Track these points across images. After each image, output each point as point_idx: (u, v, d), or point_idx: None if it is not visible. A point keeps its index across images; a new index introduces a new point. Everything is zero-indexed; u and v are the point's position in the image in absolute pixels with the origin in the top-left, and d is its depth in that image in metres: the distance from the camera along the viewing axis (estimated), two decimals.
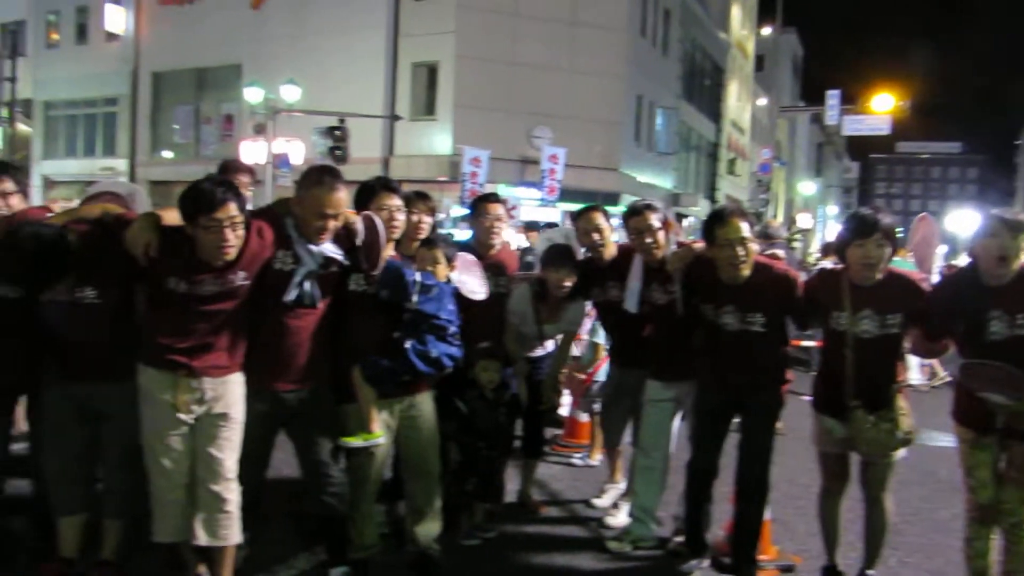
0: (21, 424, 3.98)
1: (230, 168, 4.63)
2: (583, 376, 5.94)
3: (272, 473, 3.72)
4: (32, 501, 3.79)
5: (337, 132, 18.55)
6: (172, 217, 3.17)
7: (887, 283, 3.54)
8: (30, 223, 3.23)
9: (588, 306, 4.76)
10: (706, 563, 4.11)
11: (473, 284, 3.95)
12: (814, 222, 47.46)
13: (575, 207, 6.20)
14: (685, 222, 25.91)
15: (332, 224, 3.33)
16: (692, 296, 4.00)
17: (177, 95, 26.65)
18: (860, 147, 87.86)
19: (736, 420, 4.01)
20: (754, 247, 3.77)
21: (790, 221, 39.12)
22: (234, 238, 3.11)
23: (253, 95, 20.10)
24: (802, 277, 3.98)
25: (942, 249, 15.23)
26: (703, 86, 32.89)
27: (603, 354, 5.89)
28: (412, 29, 21.70)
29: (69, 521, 3.46)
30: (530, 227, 10.30)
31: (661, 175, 27.32)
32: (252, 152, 19.16)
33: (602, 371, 5.86)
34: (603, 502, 4.95)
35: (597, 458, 5.81)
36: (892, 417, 3.51)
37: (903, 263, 6.55)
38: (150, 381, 3.22)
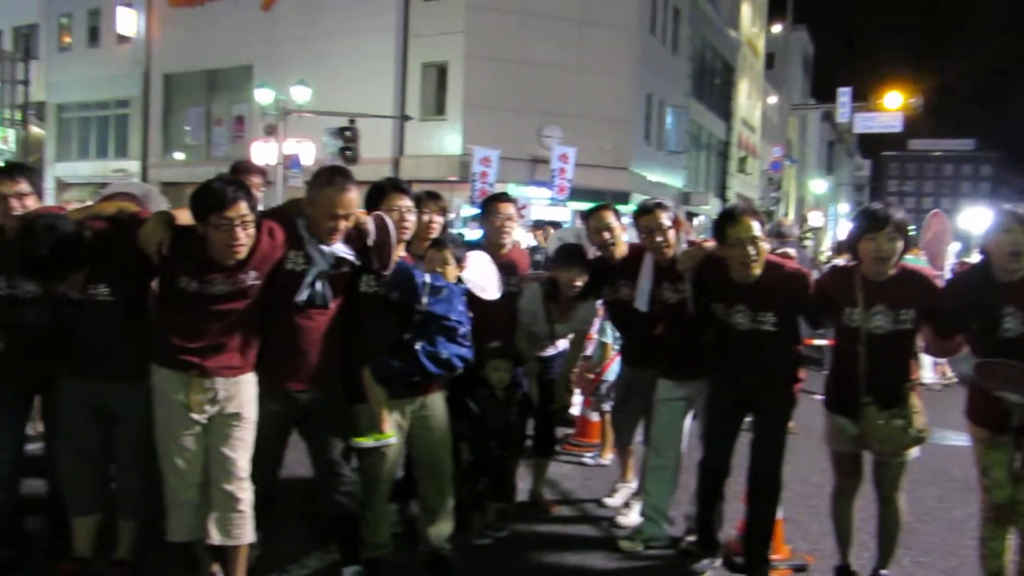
0: (37, 424, 4.02)
1: (242, 169, 4.66)
2: (592, 376, 5.94)
3: (285, 473, 3.74)
4: (47, 501, 3.82)
5: (347, 133, 18.58)
6: (186, 217, 3.19)
7: (900, 278, 3.52)
8: (46, 215, 3.25)
9: (597, 305, 4.75)
10: (718, 562, 4.10)
11: (486, 283, 3.95)
12: (825, 220, 47.26)
13: (585, 206, 6.20)
14: (696, 221, 25.91)
15: (343, 224, 3.34)
16: (703, 295, 3.99)
17: (188, 97, 26.77)
18: (872, 145, 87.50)
19: (748, 419, 4.00)
20: (765, 246, 3.76)
21: (801, 219, 38.95)
22: (245, 237, 3.12)
23: (264, 96, 20.16)
24: (814, 275, 3.96)
25: (955, 246, 15.13)
26: (713, 84, 32.79)
27: (611, 354, 5.90)
28: (421, 29, 21.72)
29: (83, 521, 3.49)
30: (537, 226, 10.32)
31: (671, 174, 27.26)
32: (263, 153, 19.22)
33: (610, 371, 5.87)
34: (615, 501, 4.94)
35: (608, 457, 5.80)
36: (905, 414, 3.49)
37: (916, 261, 6.52)
38: (163, 381, 3.24)
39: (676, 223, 4.28)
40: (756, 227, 3.69)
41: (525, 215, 12.83)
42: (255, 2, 24.25)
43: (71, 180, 28.97)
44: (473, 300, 3.82)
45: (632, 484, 4.95)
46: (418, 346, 3.49)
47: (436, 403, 3.75)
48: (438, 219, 4.04)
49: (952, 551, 4.45)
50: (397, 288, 3.50)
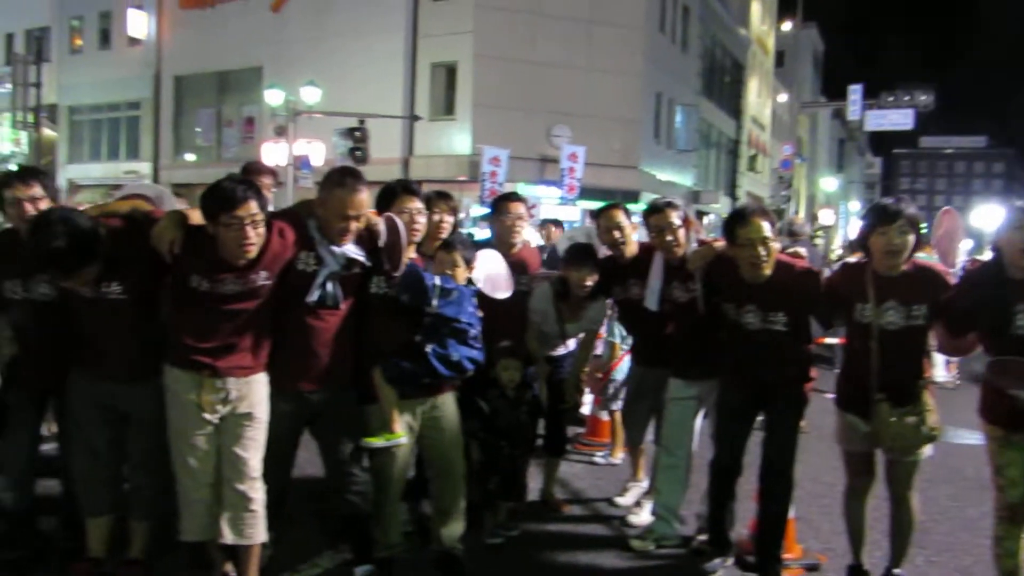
0: (51, 424, 4.04)
1: (252, 170, 4.69)
2: (600, 375, 5.94)
3: (296, 472, 3.75)
4: (62, 501, 3.84)
5: (357, 133, 18.62)
6: (198, 217, 3.20)
7: (912, 274, 3.51)
8: (61, 209, 3.26)
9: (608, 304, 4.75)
10: (730, 562, 4.09)
11: (498, 282, 3.95)
12: (836, 218, 47.05)
13: (595, 205, 6.20)
14: (706, 219, 25.84)
15: (354, 225, 3.35)
16: (713, 294, 3.98)
17: (199, 98, 26.87)
18: (883, 142, 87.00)
19: (760, 418, 3.99)
20: (776, 246, 3.75)
21: (812, 218, 38.83)
22: (255, 236, 3.13)
23: (274, 97, 20.23)
24: (825, 273, 3.94)
25: (967, 244, 15.03)
26: (723, 83, 32.69)
27: (619, 353, 5.89)
28: (431, 30, 21.74)
29: (96, 522, 3.51)
30: (542, 224, 10.31)
31: (681, 172, 27.20)
32: (273, 154, 19.27)
33: (618, 370, 5.87)
34: (626, 500, 4.94)
35: (619, 456, 5.80)
36: (918, 412, 3.47)
37: (927, 259, 6.48)
38: (175, 381, 3.26)
39: (686, 222, 4.27)
40: (766, 227, 3.68)
41: (534, 215, 12.82)
42: (265, 4, 24.34)
43: (83, 182, 29.12)
44: (483, 299, 3.82)
45: (643, 483, 4.95)
46: (429, 348, 3.49)
47: (447, 404, 3.76)
48: (449, 219, 4.04)
49: (966, 550, 4.42)
50: (407, 290, 3.51)
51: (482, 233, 9.02)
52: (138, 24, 27.36)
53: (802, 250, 4.15)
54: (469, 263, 3.79)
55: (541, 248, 6.52)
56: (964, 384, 9.00)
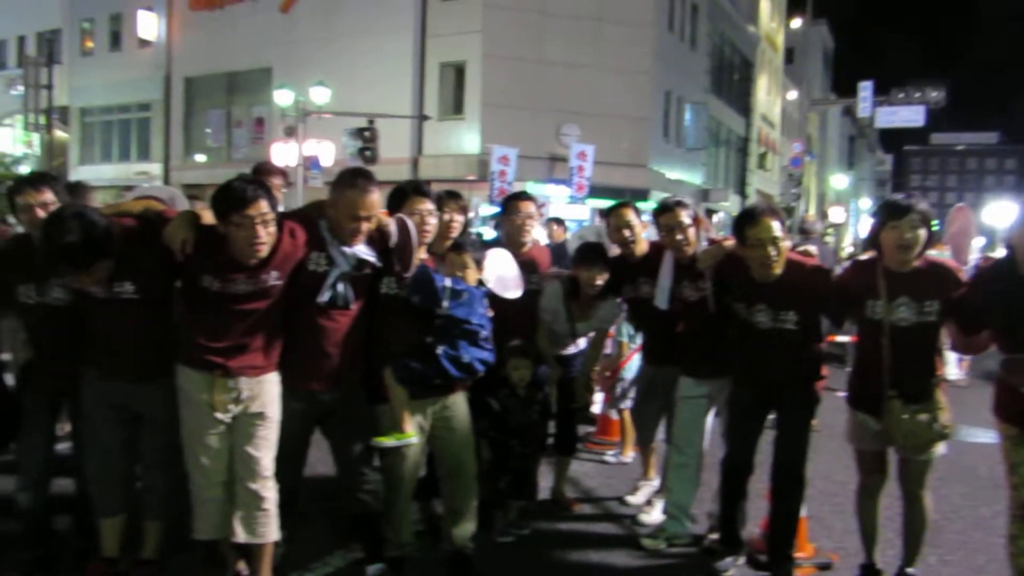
0: (65, 424, 4.07)
1: (263, 170, 4.70)
2: (608, 373, 5.93)
3: (308, 471, 3.76)
4: (76, 500, 3.87)
5: (366, 133, 18.68)
6: (211, 217, 3.22)
7: (924, 270, 3.49)
8: (74, 206, 3.27)
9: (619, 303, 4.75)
10: (742, 560, 4.08)
11: (508, 282, 3.95)
12: (847, 216, 46.82)
13: (604, 204, 6.20)
14: (715, 218, 25.78)
15: (365, 226, 3.36)
16: (724, 293, 3.97)
17: (209, 99, 27.00)
18: (893, 139, 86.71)
19: (771, 416, 3.98)
20: (786, 245, 3.74)
21: (822, 215, 38.65)
22: (266, 235, 3.14)
23: (283, 98, 20.29)
24: (836, 271, 3.93)
25: (979, 241, 14.94)
26: (732, 80, 32.60)
27: (628, 352, 5.89)
28: (439, 29, 21.77)
29: (110, 522, 3.53)
30: (546, 223, 10.30)
31: (690, 171, 27.14)
32: (283, 154, 19.34)
33: (626, 369, 5.86)
34: (637, 499, 4.94)
35: (629, 455, 5.79)
36: (930, 409, 3.46)
37: (940, 256, 6.45)
38: (188, 381, 3.28)
39: (696, 221, 4.26)
40: (776, 227, 3.66)
41: (544, 213, 12.82)
42: (274, 5, 24.44)
43: (94, 183, 29.14)
44: (494, 299, 3.82)
45: (654, 482, 4.94)
46: (440, 350, 3.50)
47: (458, 404, 3.76)
48: (459, 218, 4.05)
49: (979, 549, 4.40)
50: (417, 292, 3.51)
51: (491, 233, 9.02)
52: (148, 26, 27.53)
53: (812, 248, 4.14)
54: (479, 264, 3.79)
55: (547, 246, 6.52)
56: (977, 382, 8.95)
